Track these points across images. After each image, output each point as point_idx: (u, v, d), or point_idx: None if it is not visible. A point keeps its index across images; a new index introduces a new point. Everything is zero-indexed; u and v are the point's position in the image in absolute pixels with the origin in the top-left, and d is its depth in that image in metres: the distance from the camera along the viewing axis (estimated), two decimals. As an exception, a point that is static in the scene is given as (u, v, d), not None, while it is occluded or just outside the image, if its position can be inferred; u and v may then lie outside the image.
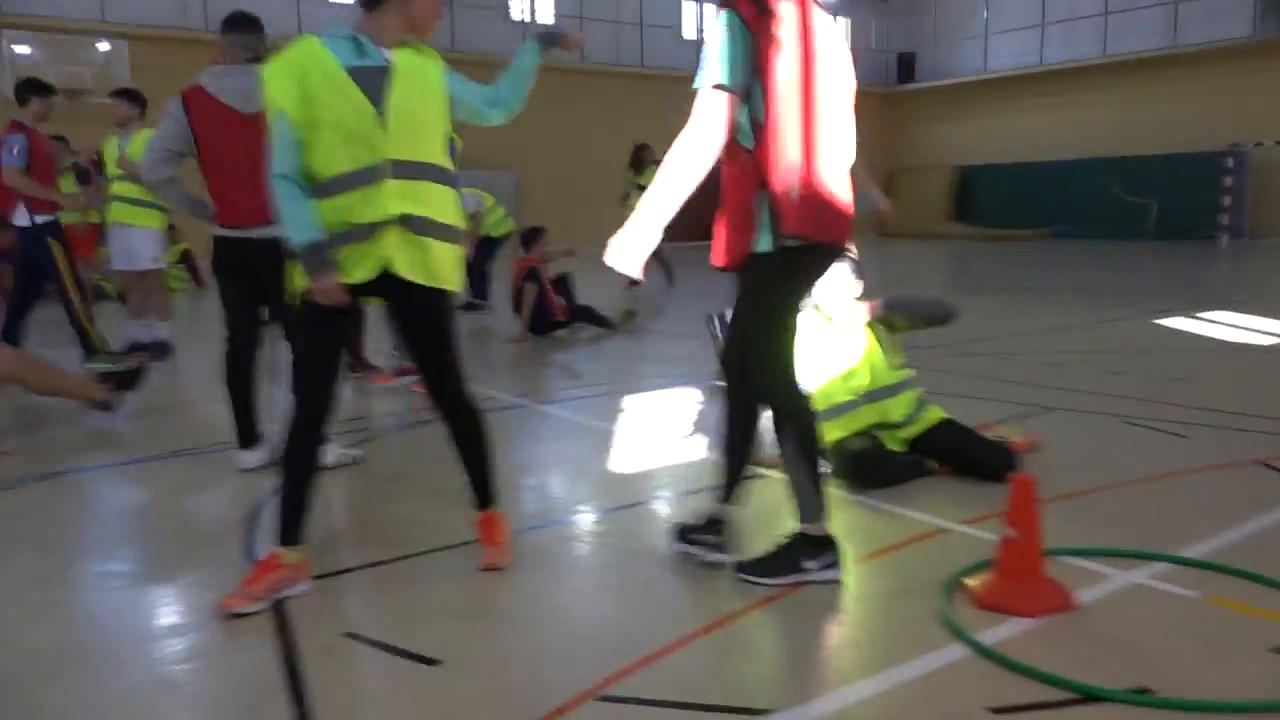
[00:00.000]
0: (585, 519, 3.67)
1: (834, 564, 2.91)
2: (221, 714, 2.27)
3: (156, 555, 3.36)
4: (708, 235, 2.93)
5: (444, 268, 2.92)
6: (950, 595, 2.78)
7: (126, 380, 5.47)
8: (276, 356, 4.34)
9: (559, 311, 8.56)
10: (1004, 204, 26.97)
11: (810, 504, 2.93)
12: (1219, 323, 8.62)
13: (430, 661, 2.47)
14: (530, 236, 8.85)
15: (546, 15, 23.92)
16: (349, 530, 3.67)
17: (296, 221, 2.78)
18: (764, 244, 2.76)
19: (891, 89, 30.19)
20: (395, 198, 2.80)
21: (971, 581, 2.83)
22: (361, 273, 2.84)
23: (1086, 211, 24.89)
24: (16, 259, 6.91)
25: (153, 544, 3.48)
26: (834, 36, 2.80)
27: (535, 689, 2.33)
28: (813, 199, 2.73)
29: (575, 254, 8.86)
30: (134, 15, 18.43)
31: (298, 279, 2.89)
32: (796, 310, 2.97)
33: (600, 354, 7.84)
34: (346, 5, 21.27)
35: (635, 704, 2.26)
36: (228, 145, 4.09)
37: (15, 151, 6.44)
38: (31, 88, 6.73)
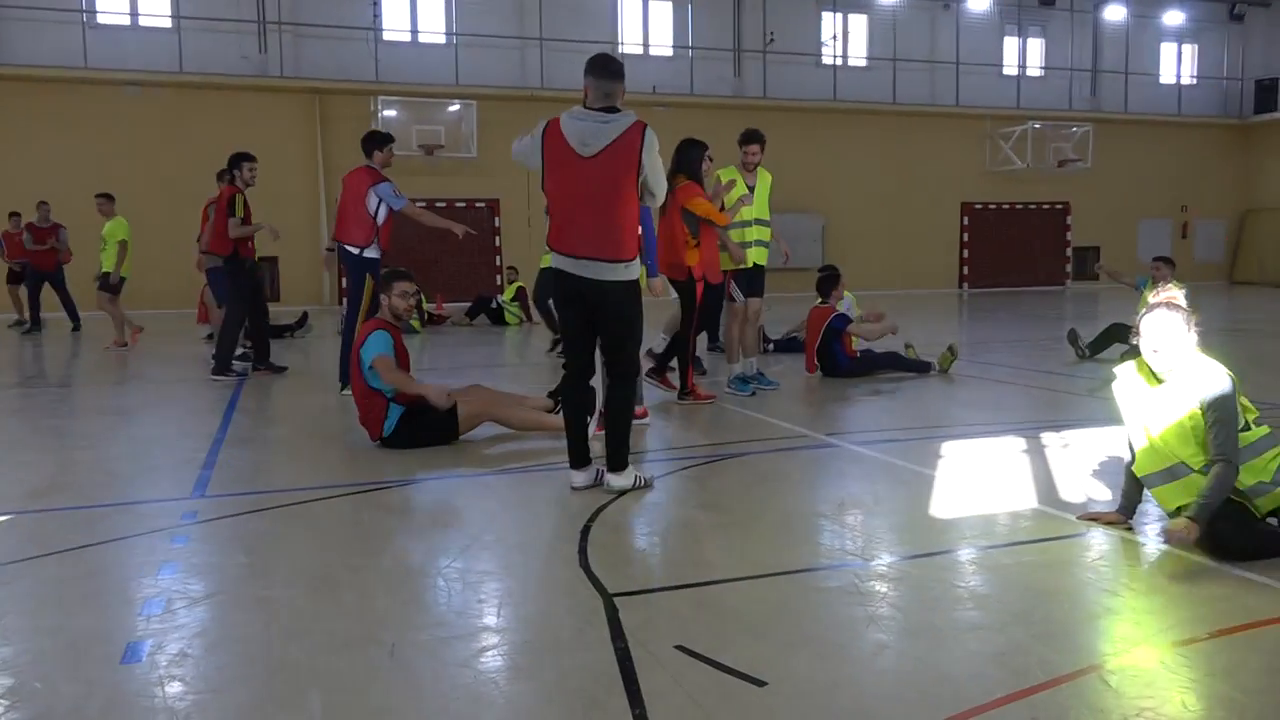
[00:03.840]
0: (899, 560, 3.59)
1: None
2: (566, 702, 2.46)
3: (502, 558, 3.69)
4: None
5: None
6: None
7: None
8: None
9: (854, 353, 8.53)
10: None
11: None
12: None
13: (757, 682, 2.52)
14: (828, 284, 8.70)
15: (858, 59, 23.88)
16: (669, 551, 3.82)
17: None
18: None
19: (1246, 120, 27.09)
20: None
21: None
22: None
23: None
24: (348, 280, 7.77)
25: (498, 549, 3.82)
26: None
27: (861, 722, 2.31)
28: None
29: (896, 330, 8.73)
30: (481, 78, 20.55)
31: None
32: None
33: (914, 397, 7.62)
34: (665, 59, 22.39)
35: (968, 752, 2.18)
36: (564, 180, 4.40)
37: (395, 192, 7.40)
38: (375, 140, 7.63)
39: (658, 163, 4.44)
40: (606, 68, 4.39)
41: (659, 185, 4.51)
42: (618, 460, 4.56)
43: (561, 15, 21.02)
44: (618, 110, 4.38)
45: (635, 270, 4.49)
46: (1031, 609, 3.04)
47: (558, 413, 5.59)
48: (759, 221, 7.52)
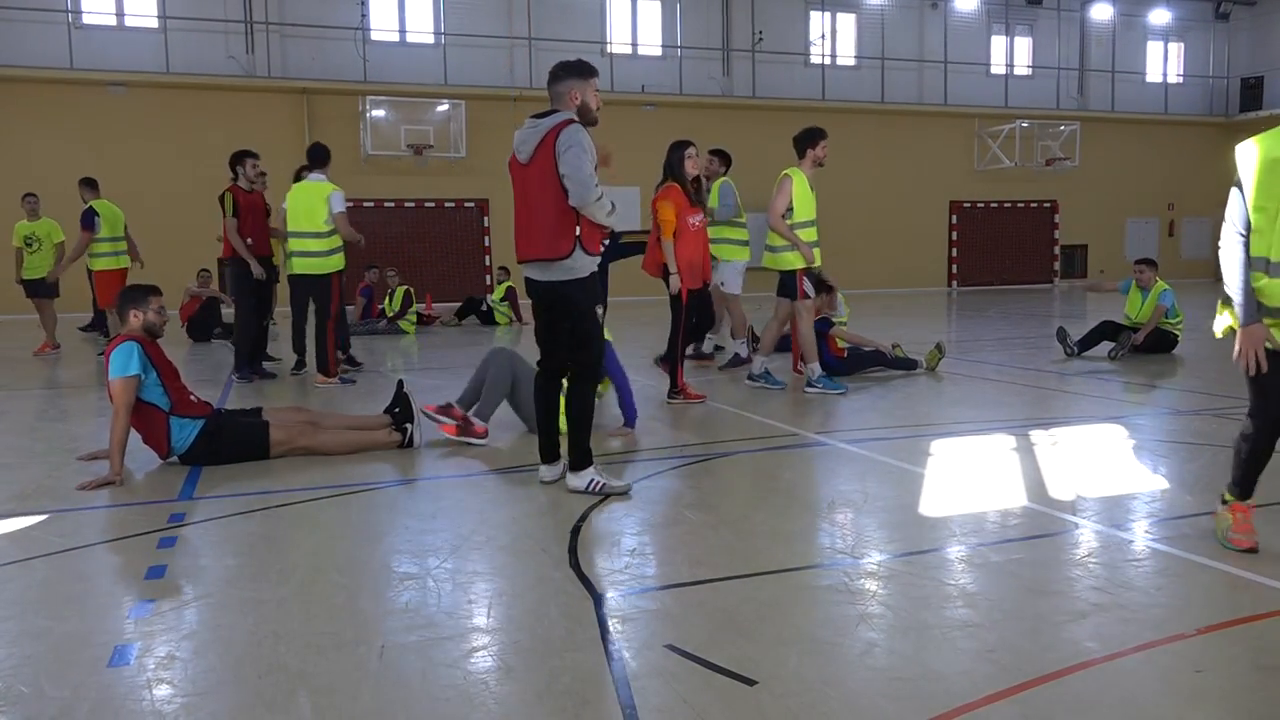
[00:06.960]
0: (889, 558, 3.59)
1: None
2: (556, 702, 2.45)
3: (492, 559, 3.68)
4: None
5: None
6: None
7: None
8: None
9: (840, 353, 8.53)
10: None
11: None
12: None
13: (748, 681, 2.52)
14: (820, 289, 8.76)
15: (847, 58, 23.92)
16: (659, 551, 3.82)
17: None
18: None
19: (1232, 118, 27.25)
20: None
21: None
22: None
23: None
24: None
25: (488, 550, 3.82)
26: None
27: (852, 720, 2.32)
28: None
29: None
30: (469, 78, 20.51)
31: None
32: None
33: (903, 395, 7.64)
34: (653, 58, 22.40)
35: (958, 749, 2.18)
36: (515, 188, 4.51)
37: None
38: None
39: (577, 159, 4.25)
40: (552, 73, 4.51)
41: (573, 181, 4.26)
42: (574, 460, 4.60)
43: (550, 15, 21.01)
44: (555, 112, 4.44)
45: (579, 267, 4.44)
46: (1021, 606, 3.06)
47: (398, 435, 5.58)
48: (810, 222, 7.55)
